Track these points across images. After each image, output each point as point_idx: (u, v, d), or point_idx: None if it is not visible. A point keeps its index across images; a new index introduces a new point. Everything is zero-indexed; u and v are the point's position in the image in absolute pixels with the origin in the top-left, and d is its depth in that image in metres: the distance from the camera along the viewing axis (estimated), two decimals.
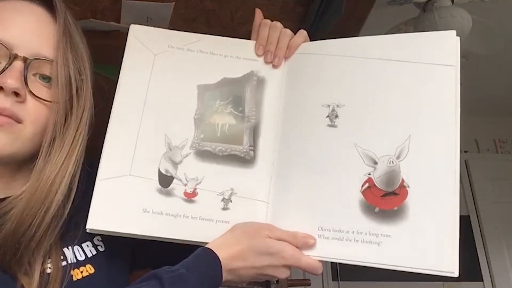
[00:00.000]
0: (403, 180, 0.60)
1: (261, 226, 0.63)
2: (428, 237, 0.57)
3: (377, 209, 0.60)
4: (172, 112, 0.68)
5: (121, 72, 0.71)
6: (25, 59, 0.58)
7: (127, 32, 0.74)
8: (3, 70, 0.57)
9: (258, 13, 0.77)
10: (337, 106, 0.66)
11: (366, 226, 0.59)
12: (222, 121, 0.69)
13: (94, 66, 1.25)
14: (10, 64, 0.57)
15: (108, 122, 0.69)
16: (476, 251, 2.85)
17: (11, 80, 0.56)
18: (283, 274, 0.61)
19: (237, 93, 0.70)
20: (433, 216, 0.57)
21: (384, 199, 0.60)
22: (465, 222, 2.90)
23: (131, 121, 0.67)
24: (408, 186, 0.59)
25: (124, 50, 0.72)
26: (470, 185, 3.02)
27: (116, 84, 0.71)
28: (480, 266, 2.82)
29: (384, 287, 2.59)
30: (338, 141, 0.64)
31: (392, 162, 0.61)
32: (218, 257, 0.59)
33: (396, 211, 0.59)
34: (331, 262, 2.69)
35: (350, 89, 0.66)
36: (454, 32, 0.64)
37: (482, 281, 2.79)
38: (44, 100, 0.60)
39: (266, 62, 0.72)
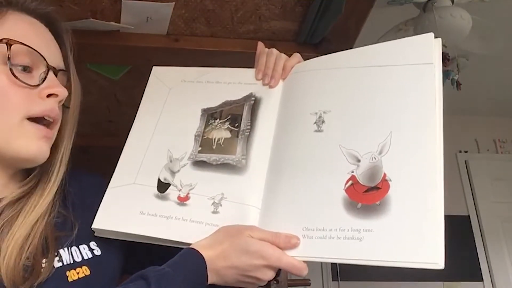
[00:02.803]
0: (385, 175, 0.60)
1: (244, 227, 0.63)
2: (410, 229, 0.56)
3: (359, 205, 0.60)
4: (177, 131, 0.77)
5: (140, 103, 0.82)
6: (54, 70, 0.64)
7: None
8: (44, 79, 0.62)
9: (259, 45, 0.84)
10: (324, 112, 0.69)
11: (348, 223, 0.59)
12: (219, 136, 0.75)
13: (94, 66, 1.26)
14: (47, 74, 0.62)
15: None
16: (476, 251, 2.85)
17: (62, 89, 0.63)
18: (265, 275, 0.61)
19: (235, 112, 0.77)
20: (415, 207, 0.56)
21: (367, 194, 0.60)
22: (465, 222, 2.91)
23: (143, 140, 0.77)
24: (390, 180, 0.59)
25: (145, 86, 0.85)
26: (470, 185, 3.02)
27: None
28: (480, 266, 2.82)
29: (384, 287, 2.60)
30: (324, 144, 0.66)
31: (375, 158, 0.61)
32: (202, 256, 0.60)
33: (378, 205, 0.58)
34: (331, 262, 2.70)
35: (335, 96, 0.70)
36: (432, 34, 0.66)
37: (482, 281, 2.79)
38: (68, 107, 0.67)
39: (264, 84, 0.78)
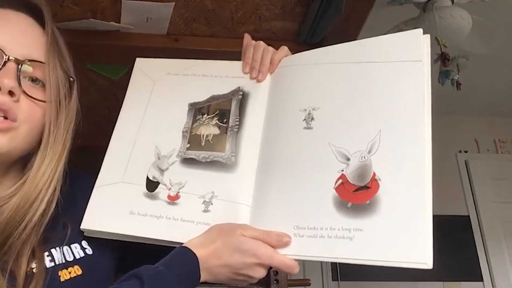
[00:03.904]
0: (374, 174, 0.60)
1: (236, 225, 0.63)
2: (400, 229, 0.56)
3: (349, 204, 0.60)
4: (164, 127, 0.75)
5: (125, 97, 0.80)
6: (17, 61, 0.61)
7: (133, 65, 0.83)
8: None
9: (246, 37, 0.83)
10: (313, 109, 0.69)
11: (339, 222, 0.59)
12: (207, 132, 0.74)
13: (94, 66, 1.26)
14: (3, 65, 0.59)
15: (108, 132, 0.76)
16: (476, 251, 2.85)
17: (7, 80, 0.59)
18: (257, 273, 0.61)
19: (223, 107, 0.75)
20: (404, 207, 0.57)
21: (357, 193, 0.60)
22: (465, 222, 2.91)
23: (128, 137, 0.75)
24: (380, 179, 0.59)
25: (129, 78, 0.82)
26: (470, 185, 3.02)
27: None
28: (480, 266, 2.82)
29: (384, 287, 2.60)
30: (314, 142, 0.66)
31: (364, 157, 0.61)
32: (195, 255, 0.60)
33: (368, 205, 0.59)
34: (331, 262, 2.70)
35: (325, 92, 0.69)
36: (420, 30, 0.66)
37: (482, 281, 2.79)
38: (37, 99, 0.62)
39: (252, 78, 0.77)
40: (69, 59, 0.69)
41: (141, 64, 0.83)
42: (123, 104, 0.79)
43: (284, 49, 0.78)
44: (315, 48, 0.76)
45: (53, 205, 0.61)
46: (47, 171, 0.61)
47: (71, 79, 0.67)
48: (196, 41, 1.18)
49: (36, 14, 0.66)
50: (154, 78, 0.80)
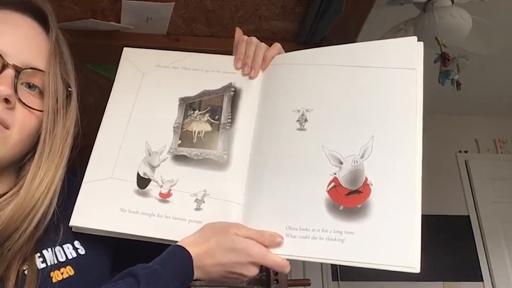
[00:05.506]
0: (366, 179, 0.61)
1: (229, 224, 0.64)
2: (390, 233, 0.58)
3: (341, 207, 0.61)
4: (154, 122, 0.74)
5: (112, 89, 0.77)
6: (16, 68, 0.60)
7: (120, 53, 0.80)
8: None
9: (237, 31, 0.81)
10: (306, 110, 0.69)
11: (331, 224, 0.61)
12: (199, 129, 0.73)
13: (94, 66, 1.26)
14: (1, 72, 0.59)
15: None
16: (476, 251, 2.85)
17: (3, 87, 0.58)
18: (250, 272, 0.62)
19: (215, 103, 0.74)
20: (394, 213, 0.59)
21: (349, 197, 0.61)
22: (465, 222, 2.91)
23: (117, 130, 0.73)
24: (372, 184, 0.61)
25: (117, 69, 0.79)
26: (470, 185, 3.02)
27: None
28: (480, 266, 2.82)
29: (384, 287, 2.60)
30: (307, 143, 0.67)
31: (357, 162, 0.63)
32: (190, 253, 0.60)
33: (359, 208, 0.60)
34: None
35: (318, 94, 0.70)
36: (415, 37, 0.67)
37: (482, 281, 2.80)
38: (33, 108, 0.61)
39: (244, 75, 0.76)
40: (70, 66, 0.68)
41: (129, 54, 0.80)
42: (111, 96, 0.76)
43: (277, 46, 0.77)
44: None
45: (49, 216, 0.61)
46: (44, 181, 0.60)
47: (69, 89, 0.66)
48: (196, 41, 1.18)
49: (41, 18, 0.65)
50: (142, 70, 0.78)
